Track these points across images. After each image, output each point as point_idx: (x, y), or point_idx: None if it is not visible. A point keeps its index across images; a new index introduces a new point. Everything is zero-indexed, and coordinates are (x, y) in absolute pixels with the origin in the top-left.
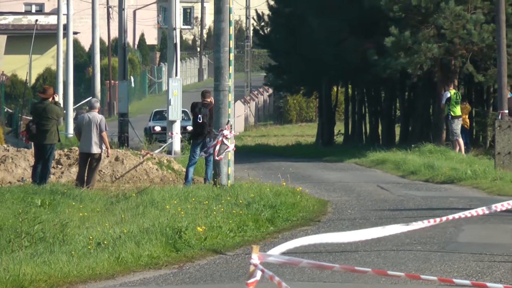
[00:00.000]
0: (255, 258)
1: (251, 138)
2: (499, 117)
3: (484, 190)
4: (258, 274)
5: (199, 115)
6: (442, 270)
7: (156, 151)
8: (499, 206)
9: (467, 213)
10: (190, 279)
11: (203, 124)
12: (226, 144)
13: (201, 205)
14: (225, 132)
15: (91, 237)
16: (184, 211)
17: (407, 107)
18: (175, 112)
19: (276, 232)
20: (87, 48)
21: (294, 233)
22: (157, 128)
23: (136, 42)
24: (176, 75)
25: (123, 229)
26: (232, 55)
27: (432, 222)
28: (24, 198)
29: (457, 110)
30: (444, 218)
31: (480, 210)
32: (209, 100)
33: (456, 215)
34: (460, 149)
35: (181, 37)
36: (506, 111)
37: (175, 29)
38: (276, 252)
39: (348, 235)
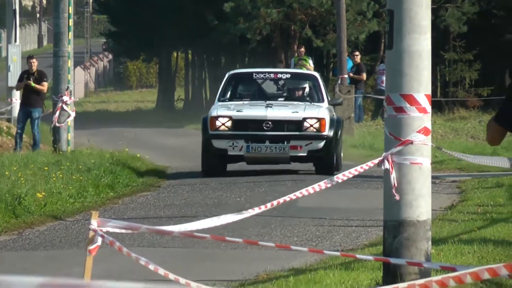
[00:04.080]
0: (94, 223)
1: (92, 104)
2: (339, 81)
3: None
4: (99, 240)
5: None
6: (282, 235)
7: None
8: (340, 177)
9: (310, 190)
10: (30, 245)
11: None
12: (66, 110)
13: (41, 171)
14: (65, 98)
15: None
16: (23, 177)
17: None
18: (14, 78)
19: (116, 198)
20: None
21: (134, 199)
22: None
23: None
24: (15, 41)
25: None
26: (71, 21)
27: (269, 206)
28: None
29: None
30: (281, 200)
31: (323, 184)
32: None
33: (298, 193)
34: None
35: (20, 3)
36: (346, 76)
37: None
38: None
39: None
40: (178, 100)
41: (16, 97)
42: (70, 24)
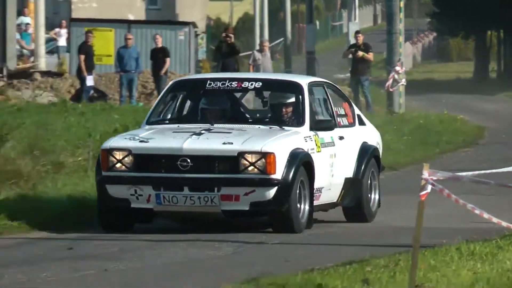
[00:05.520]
0: (425, 174)
1: (418, 74)
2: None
3: None
4: (429, 187)
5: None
6: None
7: None
8: None
9: None
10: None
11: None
12: (397, 79)
13: (378, 129)
14: (397, 68)
15: None
16: None
17: None
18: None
19: (440, 153)
20: None
21: (456, 154)
22: None
23: None
24: (354, 19)
25: None
26: (402, 3)
27: None
28: None
29: None
30: None
31: None
32: None
33: None
34: None
35: None
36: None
37: None
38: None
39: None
40: (492, 71)
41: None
42: (401, 6)
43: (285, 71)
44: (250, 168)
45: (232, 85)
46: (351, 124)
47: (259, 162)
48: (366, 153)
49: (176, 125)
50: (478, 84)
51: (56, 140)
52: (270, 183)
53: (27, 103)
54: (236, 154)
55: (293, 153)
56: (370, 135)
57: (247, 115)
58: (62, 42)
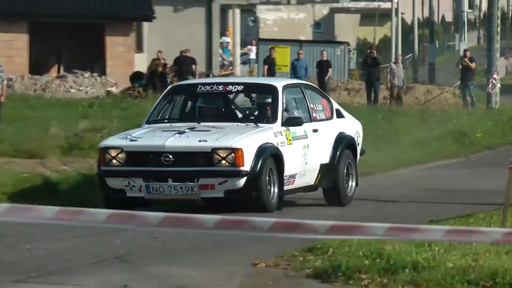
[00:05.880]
0: None
1: (510, 80)
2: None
3: None
4: None
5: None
6: None
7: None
8: None
9: None
10: (475, 164)
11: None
12: (494, 83)
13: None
14: (494, 75)
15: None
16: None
17: None
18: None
19: None
20: (409, 22)
21: None
22: None
23: (440, 19)
24: (464, 40)
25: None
26: (498, 28)
27: None
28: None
29: None
30: None
31: None
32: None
33: None
34: None
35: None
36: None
37: (463, 11)
38: None
39: None
40: None
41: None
42: (498, 30)
43: (412, 77)
44: (223, 161)
45: (219, 88)
46: (329, 118)
47: (229, 156)
48: (341, 142)
49: (169, 124)
50: None
51: None
52: (240, 174)
53: None
54: (209, 150)
55: (261, 147)
56: (348, 126)
57: (231, 114)
58: (252, 55)
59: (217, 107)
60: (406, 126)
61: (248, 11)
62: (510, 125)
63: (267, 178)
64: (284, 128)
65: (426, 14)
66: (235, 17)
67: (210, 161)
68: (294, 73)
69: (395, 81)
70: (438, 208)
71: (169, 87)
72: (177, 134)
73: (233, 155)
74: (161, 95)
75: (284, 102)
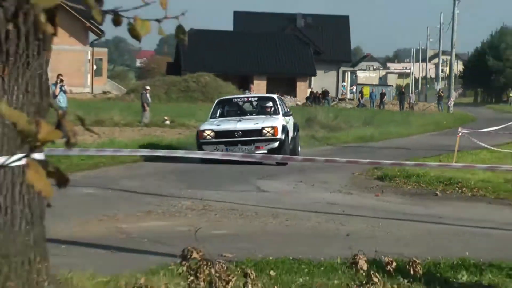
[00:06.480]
0: None
1: None
2: None
3: None
4: None
5: None
6: None
7: None
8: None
9: None
10: (441, 134)
11: None
12: (451, 102)
13: (444, 117)
14: (451, 99)
15: None
16: (439, 117)
17: None
18: None
19: None
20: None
21: None
22: None
23: (429, 76)
24: (439, 84)
25: None
26: None
27: None
28: None
29: None
30: None
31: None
32: None
33: None
34: None
35: None
36: None
37: (439, 72)
38: None
39: None
40: None
41: None
42: None
43: (418, 99)
44: (267, 134)
45: (244, 99)
46: (290, 114)
47: (271, 131)
48: (296, 126)
49: (224, 118)
50: None
51: None
52: (276, 140)
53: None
54: (260, 128)
55: (283, 126)
56: (293, 119)
57: (254, 112)
58: (354, 90)
59: (245, 109)
60: (413, 118)
61: (353, 72)
62: (457, 119)
63: (288, 141)
64: (283, 117)
65: (422, 73)
66: (347, 75)
67: (260, 134)
68: (370, 98)
69: (411, 101)
70: (422, 152)
71: (217, 100)
72: (239, 122)
73: (273, 130)
74: (215, 103)
75: (279, 104)
